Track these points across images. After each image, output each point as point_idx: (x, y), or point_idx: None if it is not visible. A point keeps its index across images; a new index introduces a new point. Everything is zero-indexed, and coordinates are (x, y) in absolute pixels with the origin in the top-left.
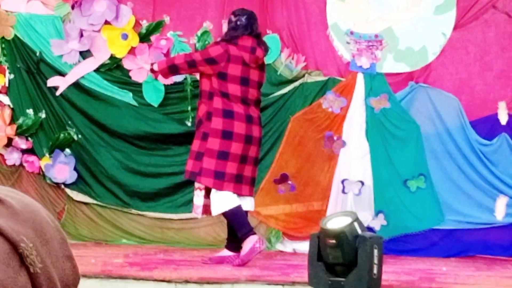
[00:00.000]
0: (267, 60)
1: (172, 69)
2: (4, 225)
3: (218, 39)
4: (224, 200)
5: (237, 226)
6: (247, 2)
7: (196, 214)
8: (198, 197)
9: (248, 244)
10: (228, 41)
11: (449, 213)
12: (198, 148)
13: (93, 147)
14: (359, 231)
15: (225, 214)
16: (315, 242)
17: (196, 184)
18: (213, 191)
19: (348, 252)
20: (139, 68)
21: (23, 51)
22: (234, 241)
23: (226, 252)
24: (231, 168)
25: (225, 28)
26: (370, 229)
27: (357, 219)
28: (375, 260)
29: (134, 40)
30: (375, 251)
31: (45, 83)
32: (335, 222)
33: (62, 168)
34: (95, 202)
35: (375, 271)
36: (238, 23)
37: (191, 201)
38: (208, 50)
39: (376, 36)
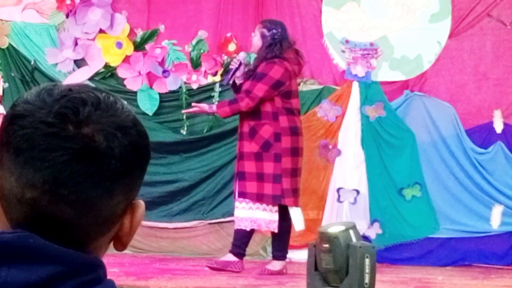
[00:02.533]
0: None
1: (238, 112)
2: None
3: (257, 57)
4: (301, 214)
5: (287, 243)
6: (242, 11)
7: (255, 227)
8: (266, 212)
9: (282, 264)
10: (279, 57)
11: (444, 221)
12: (273, 170)
13: None
14: (354, 240)
15: (285, 228)
16: (312, 251)
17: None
18: (295, 209)
19: (339, 259)
20: (134, 77)
21: (17, 60)
22: (240, 248)
23: (230, 257)
24: (299, 183)
25: (257, 41)
26: (365, 237)
27: (354, 228)
28: (367, 270)
29: (128, 48)
30: (367, 260)
31: None
32: (333, 228)
33: None
34: None
35: (366, 280)
36: (276, 36)
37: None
38: (269, 75)
39: (371, 44)
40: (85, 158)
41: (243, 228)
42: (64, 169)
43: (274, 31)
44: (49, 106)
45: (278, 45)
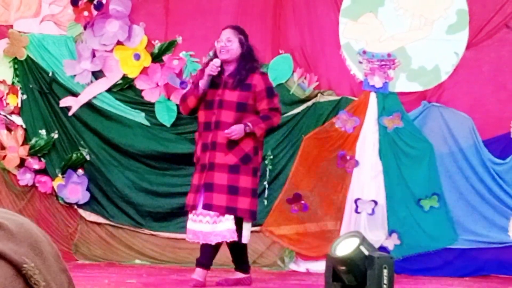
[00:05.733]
0: (281, 79)
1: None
2: (5, 249)
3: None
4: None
5: (246, 254)
6: (259, 23)
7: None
8: (230, 221)
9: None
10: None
11: (462, 232)
12: (251, 185)
13: (106, 167)
14: (366, 253)
15: (243, 243)
16: (330, 263)
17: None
18: (249, 224)
19: (360, 275)
20: (152, 88)
21: (35, 71)
22: (245, 263)
23: (240, 275)
24: None
25: (237, 49)
26: (383, 248)
27: (363, 240)
28: (385, 280)
29: (146, 60)
30: (385, 271)
31: (58, 104)
32: (343, 247)
33: (74, 188)
34: (108, 222)
35: None
36: (248, 44)
37: None
38: (273, 87)
39: (389, 55)
40: None
41: (209, 242)
42: None
43: (246, 38)
44: None
45: (253, 53)
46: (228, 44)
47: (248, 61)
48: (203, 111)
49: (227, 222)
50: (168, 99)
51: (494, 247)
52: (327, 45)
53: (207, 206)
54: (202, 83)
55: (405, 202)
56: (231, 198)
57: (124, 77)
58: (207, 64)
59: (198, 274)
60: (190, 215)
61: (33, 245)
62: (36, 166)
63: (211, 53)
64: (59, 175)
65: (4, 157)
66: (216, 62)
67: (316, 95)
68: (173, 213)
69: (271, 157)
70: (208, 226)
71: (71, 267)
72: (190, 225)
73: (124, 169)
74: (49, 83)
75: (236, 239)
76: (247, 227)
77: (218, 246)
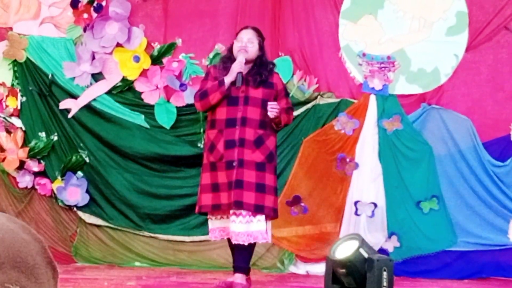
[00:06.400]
0: None
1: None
2: None
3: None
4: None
5: (251, 256)
6: (258, 25)
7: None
8: (262, 222)
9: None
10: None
11: (462, 234)
12: (273, 183)
13: (105, 169)
14: (366, 255)
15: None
16: (330, 265)
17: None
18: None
19: (359, 277)
20: (151, 90)
21: (35, 73)
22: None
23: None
24: None
25: (257, 51)
26: (383, 251)
27: (363, 243)
28: (384, 283)
29: (146, 62)
30: (384, 274)
31: (57, 106)
32: (342, 250)
33: (74, 191)
34: (107, 224)
35: None
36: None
37: (203, 223)
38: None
39: (388, 57)
40: None
41: (241, 243)
42: None
43: (263, 40)
44: None
45: (267, 55)
46: (250, 45)
47: (267, 62)
48: (225, 107)
49: (260, 223)
50: (168, 101)
51: (494, 249)
52: (326, 47)
53: (238, 204)
54: (229, 79)
55: (404, 204)
56: (259, 196)
57: (124, 79)
58: (223, 62)
59: (240, 279)
60: (217, 215)
61: (16, 261)
62: (36, 168)
63: (211, 55)
64: (59, 177)
65: (4, 159)
66: (242, 60)
67: (315, 98)
68: (173, 215)
69: None
70: (242, 226)
71: (71, 270)
72: (216, 224)
73: (124, 171)
74: (48, 85)
75: (268, 240)
76: (269, 226)
77: (251, 247)
